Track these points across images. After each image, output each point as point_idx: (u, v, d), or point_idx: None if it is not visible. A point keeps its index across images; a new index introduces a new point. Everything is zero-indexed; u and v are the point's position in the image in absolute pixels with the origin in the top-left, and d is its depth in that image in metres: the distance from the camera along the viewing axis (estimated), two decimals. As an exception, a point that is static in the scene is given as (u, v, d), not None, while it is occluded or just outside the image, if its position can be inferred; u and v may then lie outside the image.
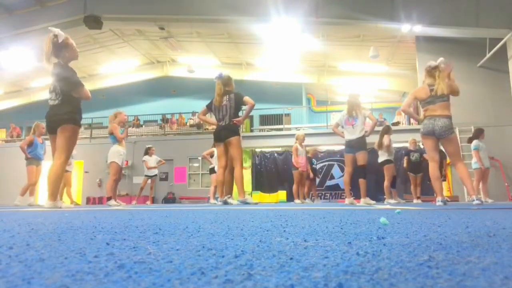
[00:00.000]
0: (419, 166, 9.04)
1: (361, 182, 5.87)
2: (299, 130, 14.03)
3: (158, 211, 2.85)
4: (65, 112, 3.83)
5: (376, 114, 15.94)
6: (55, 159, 3.84)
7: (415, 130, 12.43)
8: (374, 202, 6.15)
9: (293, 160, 9.06)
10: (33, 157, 7.70)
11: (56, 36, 3.82)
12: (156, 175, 10.32)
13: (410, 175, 9.18)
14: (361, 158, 5.84)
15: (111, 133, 6.54)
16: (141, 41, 17.73)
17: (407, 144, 10.13)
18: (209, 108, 5.51)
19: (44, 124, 4.78)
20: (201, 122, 16.61)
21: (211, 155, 9.18)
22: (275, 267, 0.49)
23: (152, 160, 9.97)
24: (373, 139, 8.73)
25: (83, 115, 4.14)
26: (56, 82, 3.87)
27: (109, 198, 6.41)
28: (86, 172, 14.82)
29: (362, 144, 5.88)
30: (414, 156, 9.07)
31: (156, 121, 18.47)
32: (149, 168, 9.95)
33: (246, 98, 5.28)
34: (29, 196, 7.92)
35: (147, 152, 10.04)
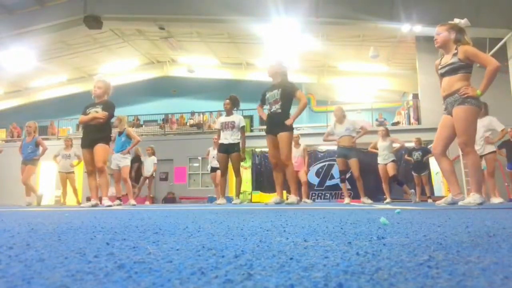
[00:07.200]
0: (423, 165, 8.94)
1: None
2: (298, 130, 14.02)
3: (158, 211, 2.85)
4: None
5: (376, 114, 15.98)
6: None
7: (415, 130, 12.42)
8: (371, 201, 6.52)
9: None
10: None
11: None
12: (152, 175, 10.27)
13: (413, 174, 9.11)
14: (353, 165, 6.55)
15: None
16: (141, 41, 17.71)
17: (407, 144, 10.08)
18: None
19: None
20: (201, 122, 16.59)
21: (207, 154, 9.30)
22: (275, 267, 0.49)
23: (148, 161, 9.92)
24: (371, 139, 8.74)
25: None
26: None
27: (118, 198, 6.79)
28: (85, 172, 14.81)
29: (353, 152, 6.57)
30: (416, 155, 8.95)
31: (156, 121, 18.46)
32: None
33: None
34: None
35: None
